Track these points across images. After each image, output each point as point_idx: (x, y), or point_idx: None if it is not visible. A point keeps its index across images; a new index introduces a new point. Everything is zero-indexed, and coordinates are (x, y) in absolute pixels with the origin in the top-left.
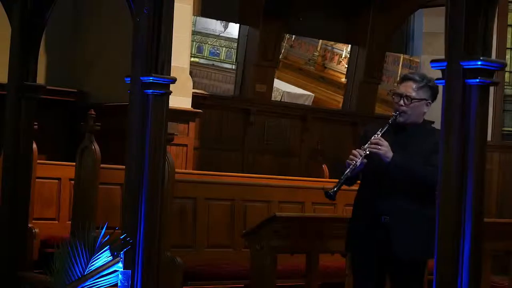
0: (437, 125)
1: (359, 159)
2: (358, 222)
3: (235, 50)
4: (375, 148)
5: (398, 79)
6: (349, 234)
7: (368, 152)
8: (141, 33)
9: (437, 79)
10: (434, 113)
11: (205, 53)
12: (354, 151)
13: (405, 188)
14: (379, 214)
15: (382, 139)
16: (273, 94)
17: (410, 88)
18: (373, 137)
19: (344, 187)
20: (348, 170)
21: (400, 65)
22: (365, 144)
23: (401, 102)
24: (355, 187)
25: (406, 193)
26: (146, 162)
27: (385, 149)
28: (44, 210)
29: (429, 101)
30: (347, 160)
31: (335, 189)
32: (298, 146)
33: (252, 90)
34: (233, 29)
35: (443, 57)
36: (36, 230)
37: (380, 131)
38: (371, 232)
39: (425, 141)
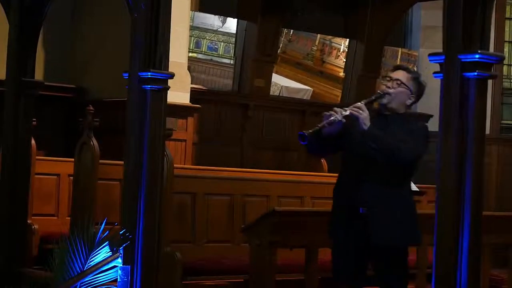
0: (436, 119)
1: (339, 115)
2: (338, 210)
3: (233, 45)
4: (357, 112)
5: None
6: (330, 222)
7: (348, 113)
8: (138, 28)
9: (435, 72)
10: (432, 107)
11: (203, 48)
12: (335, 108)
13: (381, 171)
14: (357, 200)
15: (365, 107)
16: (271, 89)
17: (402, 75)
18: (356, 104)
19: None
20: (326, 121)
21: (399, 58)
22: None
23: (390, 84)
24: None
25: (382, 177)
26: (144, 158)
27: (365, 115)
28: (43, 206)
29: (414, 95)
30: (325, 113)
31: (310, 131)
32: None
33: (250, 85)
34: (231, 24)
35: (441, 50)
36: (36, 226)
37: (364, 101)
38: (350, 219)
39: (402, 128)
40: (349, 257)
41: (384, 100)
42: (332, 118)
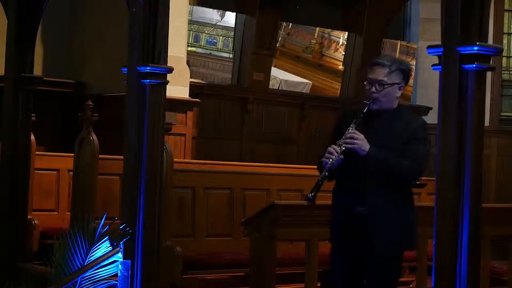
0: (435, 112)
1: (335, 156)
2: (337, 214)
3: (232, 39)
4: (351, 143)
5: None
6: (331, 225)
7: (344, 148)
8: (137, 23)
9: (434, 64)
10: (431, 99)
11: (202, 42)
12: (330, 149)
13: (381, 180)
14: (355, 205)
15: (357, 132)
16: (270, 83)
17: (381, 74)
18: (347, 131)
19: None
20: (325, 170)
21: (398, 51)
22: (343, 131)
23: (373, 89)
24: None
25: (382, 185)
26: (144, 152)
27: (361, 142)
28: (43, 201)
29: (402, 84)
30: (324, 159)
31: (313, 193)
32: (296, 134)
33: (249, 79)
34: (230, 18)
35: (440, 43)
36: (36, 222)
37: (354, 123)
38: (348, 223)
39: (399, 130)
40: (346, 261)
41: (375, 107)
42: (329, 163)
